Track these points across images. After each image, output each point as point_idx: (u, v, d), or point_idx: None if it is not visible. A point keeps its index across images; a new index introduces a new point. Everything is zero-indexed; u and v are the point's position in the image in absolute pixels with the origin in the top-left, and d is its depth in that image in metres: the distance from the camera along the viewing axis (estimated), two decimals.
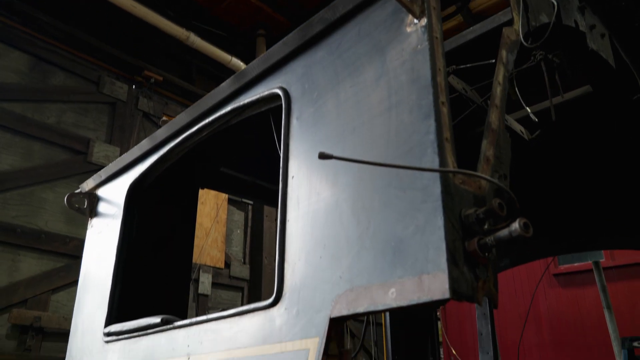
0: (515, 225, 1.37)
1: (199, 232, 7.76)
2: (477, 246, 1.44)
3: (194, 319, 2.30)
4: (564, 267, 7.23)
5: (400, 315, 5.21)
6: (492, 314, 5.00)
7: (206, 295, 7.73)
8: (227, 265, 8.35)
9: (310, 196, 1.91)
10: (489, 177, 1.49)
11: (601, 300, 4.71)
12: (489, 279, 1.49)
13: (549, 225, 4.88)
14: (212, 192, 8.28)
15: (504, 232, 1.40)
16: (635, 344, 3.45)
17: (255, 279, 8.42)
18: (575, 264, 7.14)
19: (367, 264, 1.60)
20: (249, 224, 8.90)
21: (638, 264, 6.55)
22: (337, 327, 1.68)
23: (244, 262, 8.66)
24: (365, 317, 4.29)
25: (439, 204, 1.45)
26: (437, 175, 1.49)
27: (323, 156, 1.52)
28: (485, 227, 1.49)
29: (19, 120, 6.39)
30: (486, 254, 1.45)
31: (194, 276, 7.67)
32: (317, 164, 1.93)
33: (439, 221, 1.43)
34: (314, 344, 1.69)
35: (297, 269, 1.86)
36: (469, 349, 7.91)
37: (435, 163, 1.50)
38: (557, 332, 7.14)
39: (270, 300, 1.92)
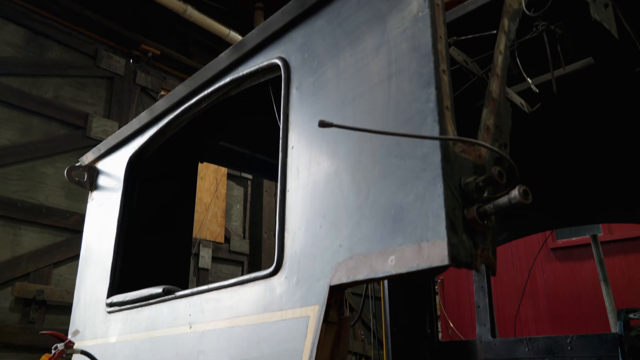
0: (515, 193, 1.37)
1: (198, 207, 7.78)
2: (476, 214, 1.45)
3: (195, 289, 2.32)
4: (561, 242, 7.28)
5: (399, 287, 5.26)
6: (490, 287, 5.05)
7: (206, 270, 7.79)
8: (227, 239, 8.39)
9: (310, 166, 1.91)
10: (489, 145, 1.49)
11: (598, 273, 4.75)
12: (488, 246, 1.50)
13: (547, 198, 4.89)
14: (212, 167, 8.28)
15: (503, 200, 1.41)
16: (631, 315, 3.49)
17: (254, 253, 8.48)
18: (573, 238, 7.19)
19: (367, 232, 1.61)
20: (249, 199, 8.93)
21: (635, 238, 6.59)
22: (337, 295, 1.70)
23: (244, 237, 8.71)
24: (364, 291, 4.33)
25: (438, 172, 1.45)
26: (437, 143, 1.49)
27: (323, 124, 1.52)
28: (485, 195, 1.50)
29: (16, 95, 6.36)
30: (485, 222, 1.46)
31: (194, 250, 7.72)
32: (317, 134, 1.93)
33: (439, 189, 1.44)
34: (314, 312, 1.71)
35: (297, 238, 1.87)
36: (466, 323, 8.01)
37: (435, 131, 1.49)
38: (554, 305, 7.22)
39: (271, 269, 1.94)
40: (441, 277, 8.68)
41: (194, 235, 7.54)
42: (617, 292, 6.12)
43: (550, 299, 7.27)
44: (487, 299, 5.01)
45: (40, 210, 6.25)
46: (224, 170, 8.47)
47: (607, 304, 4.66)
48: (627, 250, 6.73)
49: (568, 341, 4.48)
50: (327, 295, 1.68)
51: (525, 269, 7.29)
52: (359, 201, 1.67)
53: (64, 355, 2.08)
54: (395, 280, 5.33)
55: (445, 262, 1.37)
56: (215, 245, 8.12)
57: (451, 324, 8.15)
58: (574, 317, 6.98)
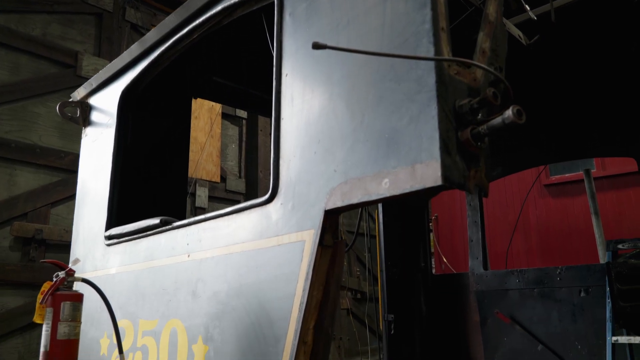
0: (509, 112, 1.37)
1: (193, 147, 7.77)
2: (470, 135, 1.45)
3: (192, 219, 2.35)
4: (555, 178, 7.35)
5: (394, 223, 5.34)
6: (483, 222, 5.14)
7: (203, 209, 7.87)
8: (223, 179, 8.44)
9: (304, 93, 1.89)
10: (484, 66, 1.47)
11: (590, 207, 4.83)
12: (481, 168, 1.52)
13: (541, 133, 4.90)
14: (206, 107, 8.20)
15: (497, 120, 1.41)
16: (620, 245, 3.57)
17: (250, 192, 8.54)
18: (567, 175, 7.25)
19: (361, 156, 1.62)
20: (244, 138, 8.90)
21: (628, 174, 6.65)
22: (332, 219, 1.73)
23: (240, 176, 8.75)
24: (359, 214, 4.40)
25: (433, 94, 1.45)
26: (431, 65, 1.47)
27: (317, 46, 1.49)
28: (479, 117, 1.50)
29: (3, 32, 6.19)
30: (479, 144, 1.47)
31: (190, 190, 7.76)
32: (311, 61, 1.90)
33: (433, 111, 1.43)
34: (310, 236, 1.74)
35: (292, 165, 1.88)
36: (460, 259, 8.20)
37: (430, 53, 1.48)
38: (545, 240, 7.38)
39: (267, 196, 1.96)
40: (435, 214, 8.80)
41: (190, 175, 7.57)
42: (607, 226, 6.24)
43: (542, 234, 7.42)
44: (479, 233, 5.10)
45: (35, 151, 6.23)
46: (218, 109, 8.40)
47: (597, 237, 4.77)
48: (619, 186, 6.81)
49: (557, 272, 4.60)
50: (322, 220, 1.71)
51: (519, 206, 7.39)
52: (353, 125, 1.66)
53: (65, 283, 2.13)
54: (390, 215, 5.41)
55: (439, 182, 1.38)
56: (212, 185, 8.16)
57: (444, 260, 8.34)
58: (565, 251, 7.14)
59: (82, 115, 3.42)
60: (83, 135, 3.50)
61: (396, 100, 1.55)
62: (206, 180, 8.06)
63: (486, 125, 1.43)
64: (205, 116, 8.21)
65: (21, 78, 6.30)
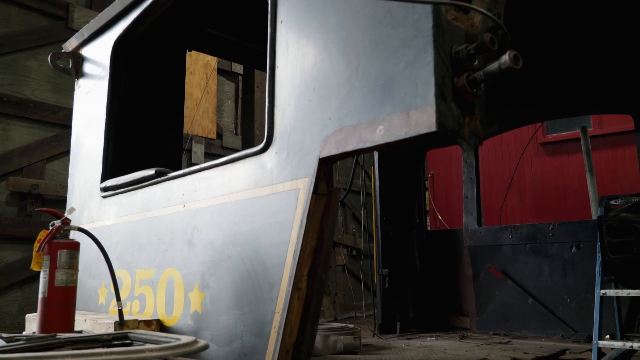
0: (505, 58, 1.36)
1: (189, 103, 7.69)
2: (465, 82, 1.44)
3: (187, 169, 2.35)
4: (551, 137, 7.34)
5: (389, 180, 5.36)
6: (478, 178, 5.17)
7: None
8: (219, 136, 8.39)
9: (300, 40, 1.87)
10: (483, 10, 1.45)
11: (585, 164, 4.84)
12: (476, 116, 1.51)
13: (538, 90, 4.87)
14: (201, 62, 8.08)
15: (493, 66, 1.40)
16: (612, 201, 3.59)
17: (247, 149, 8.50)
18: (563, 133, 7.25)
19: (356, 103, 1.61)
20: (240, 94, 8.81)
21: (623, 132, 6.65)
22: (326, 167, 1.73)
23: (236, 133, 8.70)
24: (354, 162, 4.41)
25: (429, 39, 1.43)
26: (428, 10, 1.45)
27: None
28: (476, 63, 1.49)
29: None
30: (474, 90, 1.46)
31: (186, 147, 7.74)
32: (306, 7, 1.86)
33: (429, 56, 1.42)
34: (304, 184, 1.75)
35: (286, 113, 1.87)
36: (455, 218, 8.26)
37: None
38: (539, 198, 7.43)
39: (261, 145, 1.95)
40: (431, 172, 8.83)
41: (186, 132, 7.52)
42: (601, 184, 6.28)
43: (537, 192, 7.46)
44: (475, 190, 5.14)
45: (28, 105, 6.15)
46: (213, 64, 8.28)
47: (590, 194, 4.80)
48: (615, 144, 6.81)
49: (550, 228, 4.67)
50: (316, 168, 1.71)
51: (515, 164, 7.40)
52: (348, 72, 1.65)
53: (62, 232, 2.14)
54: (386, 173, 5.43)
55: (433, 128, 1.38)
56: (208, 142, 8.13)
57: (439, 217, 8.42)
58: (559, 209, 7.21)
59: (75, 66, 3.37)
60: (76, 87, 3.45)
61: (392, 46, 1.52)
62: (202, 137, 8.02)
63: (482, 71, 1.42)
64: (200, 72, 8.10)
65: (12, 30, 6.17)
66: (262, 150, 1.95)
